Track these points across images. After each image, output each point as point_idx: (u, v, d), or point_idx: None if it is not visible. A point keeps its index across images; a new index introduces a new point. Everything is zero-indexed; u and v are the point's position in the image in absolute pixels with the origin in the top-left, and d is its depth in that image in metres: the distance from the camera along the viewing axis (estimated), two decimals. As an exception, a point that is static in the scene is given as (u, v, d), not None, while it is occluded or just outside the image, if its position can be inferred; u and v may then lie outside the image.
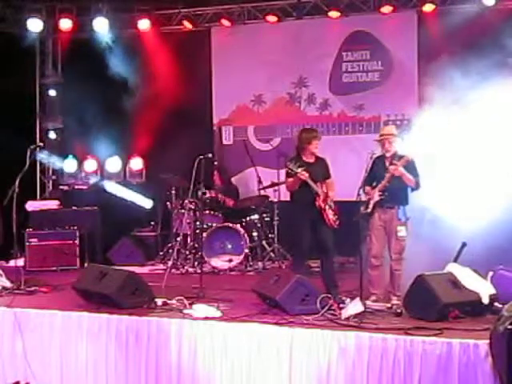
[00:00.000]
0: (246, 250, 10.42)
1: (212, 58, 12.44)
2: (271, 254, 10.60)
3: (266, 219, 10.86)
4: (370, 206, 7.53)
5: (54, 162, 12.36)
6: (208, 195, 10.83)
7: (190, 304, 7.14)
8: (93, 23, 12.09)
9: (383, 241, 7.64)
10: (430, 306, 6.52)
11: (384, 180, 7.53)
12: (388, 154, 7.68)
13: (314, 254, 8.46)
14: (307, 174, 7.90)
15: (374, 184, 7.55)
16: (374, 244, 7.62)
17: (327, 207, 8.03)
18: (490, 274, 7.12)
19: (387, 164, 7.64)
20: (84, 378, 7.03)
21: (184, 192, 10.44)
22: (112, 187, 12.18)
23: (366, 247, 7.60)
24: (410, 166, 7.59)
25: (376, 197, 7.55)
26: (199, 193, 8.85)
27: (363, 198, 7.51)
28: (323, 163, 8.28)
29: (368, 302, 7.24)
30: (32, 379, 7.18)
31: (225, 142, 12.57)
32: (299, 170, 7.91)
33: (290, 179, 8.13)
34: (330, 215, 8.03)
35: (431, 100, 9.49)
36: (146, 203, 12.10)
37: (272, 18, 11.99)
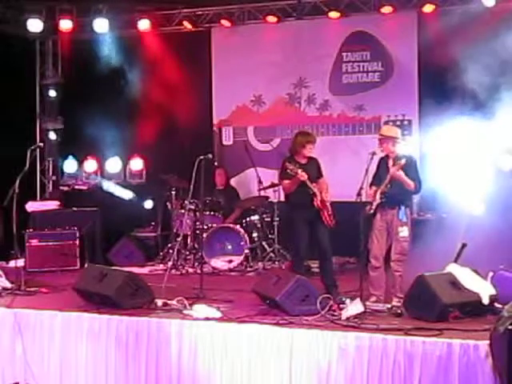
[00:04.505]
0: (246, 251, 10.42)
1: (212, 59, 12.42)
2: (271, 254, 10.59)
3: (266, 220, 10.85)
4: (373, 206, 7.50)
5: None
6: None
7: (190, 304, 7.14)
8: (93, 24, 12.07)
9: (384, 242, 7.61)
10: (430, 306, 6.52)
11: (385, 182, 7.50)
12: (391, 155, 7.63)
13: (314, 255, 8.47)
14: (306, 176, 7.92)
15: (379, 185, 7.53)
16: (375, 245, 7.59)
17: (323, 206, 8.03)
18: (490, 274, 7.12)
19: (390, 165, 7.61)
20: (84, 379, 7.02)
21: (184, 192, 10.43)
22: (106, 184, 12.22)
23: (368, 248, 7.58)
24: (411, 168, 7.53)
25: (378, 199, 7.52)
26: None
27: (363, 198, 7.48)
28: (315, 163, 8.30)
29: (368, 303, 7.24)
30: (32, 380, 7.18)
31: (225, 143, 12.56)
32: (299, 170, 7.92)
33: (287, 181, 8.14)
34: (326, 214, 8.04)
35: (431, 101, 9.54)
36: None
37: (272, 19, 11.98)
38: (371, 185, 7.64)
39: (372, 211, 7.48)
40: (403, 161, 7.44)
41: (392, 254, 7.54)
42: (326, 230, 8.10)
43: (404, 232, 7.48)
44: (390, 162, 7.61)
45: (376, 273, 7.61)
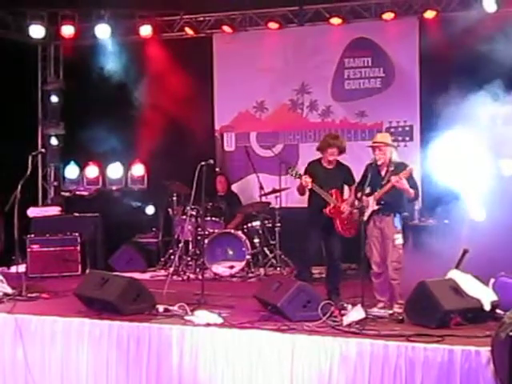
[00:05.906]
0: (248, 257, 10.41)
1: (214, 65, 12.45)
2: (273, 260, 10.60)
3: (268, 225, 10.85)
4: (367, 214, 7.45)
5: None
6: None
7: (192, 310, 7.13)
8: (95, 30, 12.13)
9: (382, 248, 7.57)
10: (431, 312, 6.51)
11: (383, 189, 7.41)
12: (379, 162, 7.50)
13: (320, 260, 8.46)
14: (310, 181, 7.88)
15: (368, 191, 7.43)
16: (374, 252, 7.54)
17: (337, 216, 7.97)
18: (492, 280, 7.11)
19: (383, 173, 7.51)
20: (85, 385, 7.03)
21: (185, 198, 10.43)
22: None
23: (367, 255, 7.55)
24: (409, 177, 7.49)
25: (374, 206, 7.47)
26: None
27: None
28: (343, 170, 8.19)
29: (376, 309, 7.23)
30: (33, 385, 7.19)
31: (227, 149, 12.56)
32: (303, 176, 7.89)
33: (299, 183, 8.14)
34: (339, 223, 7.99)
35: (432, 106, 9.53)
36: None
37: (274, 25, 12.01)
38: (357, 191, 7.62)
39: (365, 218, 7.40)
40: (410, 169, 7.39)
41: (388, 262, 7.46)
42: (338, 238, 8.08)
43: (399, 239, 7.44)
44: (382, 170, 7.56)
45: (379, 279, 7.56)
